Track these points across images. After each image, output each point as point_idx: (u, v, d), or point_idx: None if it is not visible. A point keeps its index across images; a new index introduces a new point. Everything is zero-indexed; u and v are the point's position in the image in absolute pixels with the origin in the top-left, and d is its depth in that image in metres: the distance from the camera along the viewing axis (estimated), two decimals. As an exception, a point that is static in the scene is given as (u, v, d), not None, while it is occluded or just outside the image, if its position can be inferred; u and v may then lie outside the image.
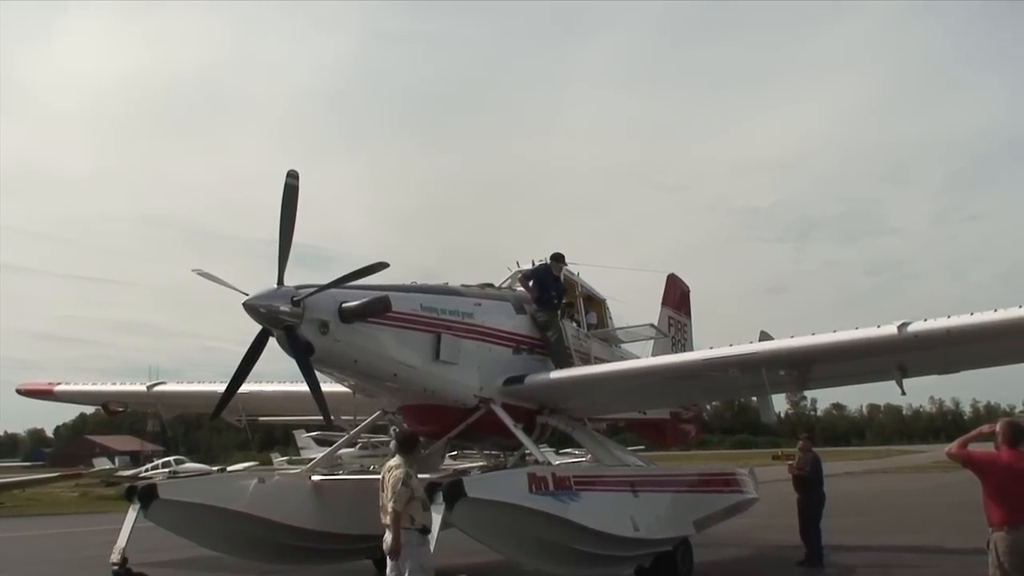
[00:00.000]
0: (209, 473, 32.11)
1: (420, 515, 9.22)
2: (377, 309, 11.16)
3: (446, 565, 9.66)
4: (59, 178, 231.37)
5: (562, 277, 14.97)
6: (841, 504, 18.90)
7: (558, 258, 14.82)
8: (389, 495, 9.18)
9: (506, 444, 14.05)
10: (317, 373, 11.24)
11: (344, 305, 10.93)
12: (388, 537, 9.22)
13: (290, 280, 10.78)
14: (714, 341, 13.45)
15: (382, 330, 11.58)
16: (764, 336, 14.36)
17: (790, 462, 16.23)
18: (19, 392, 19.42)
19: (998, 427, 8.49)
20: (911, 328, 11.40)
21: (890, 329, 11.53)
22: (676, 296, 21.38)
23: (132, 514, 12.27)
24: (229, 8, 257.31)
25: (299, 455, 52.51)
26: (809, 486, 15.78)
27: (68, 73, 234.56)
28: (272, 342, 10.94)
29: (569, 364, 13.99)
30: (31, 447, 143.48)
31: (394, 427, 15.24)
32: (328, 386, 11.84)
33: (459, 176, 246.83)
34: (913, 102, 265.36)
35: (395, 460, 9.64)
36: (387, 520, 9.23)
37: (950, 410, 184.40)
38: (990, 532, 8.22)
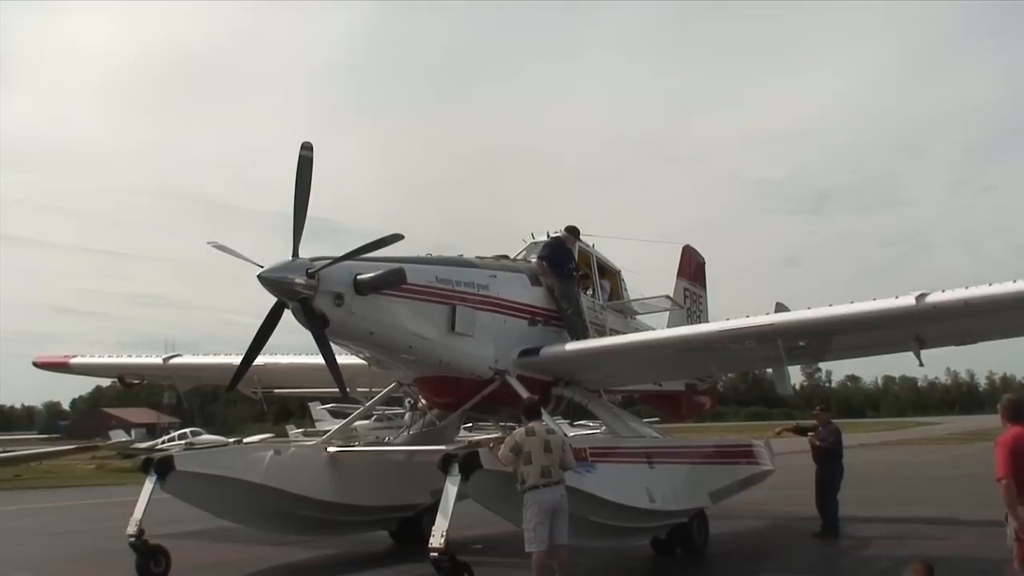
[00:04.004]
0: (225, 445, 32.17)
1: None
2: (392, 281, 11.11)
3: (462, 536, 9.67)
4: (74, 152, 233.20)
5: (576, 250, 14.91)
6: (857, 476, 18.82)
7: (572, 230, 14.77)
8: (565, 454, 9.96)
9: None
10: (332, 345, 11.21)
11: (359, 277, 10.87)
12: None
13: (304, 252, 10.73)
14: (729, 313, 13.40)
15: (397, 302, 11.53)
16: (780, 307, 14.30)
17: (811, 433, 16.16)
18: (36, 365, 19.47)
19: (1000, 405, 8.52)
20: (929, 299, 11.25)
21: (908, 300, 11.38)
22: (692, 268, 21.26)
23: (149, 486, 12.29)
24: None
25: (314, 427, 52.81)
26: (829, 457, 15.75)
27: (81, 47, 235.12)
28: (287, 314, 10.93)
29: (585, 336, 13.91)
30: (48, 420, 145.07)
31: (409, 399, 15.30)
32: (343, 358, 11.83)
33: (472, 148, 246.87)
34: (928, 73, 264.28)
35: (540, 425, 10.25)
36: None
37: (965, 382, 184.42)
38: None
